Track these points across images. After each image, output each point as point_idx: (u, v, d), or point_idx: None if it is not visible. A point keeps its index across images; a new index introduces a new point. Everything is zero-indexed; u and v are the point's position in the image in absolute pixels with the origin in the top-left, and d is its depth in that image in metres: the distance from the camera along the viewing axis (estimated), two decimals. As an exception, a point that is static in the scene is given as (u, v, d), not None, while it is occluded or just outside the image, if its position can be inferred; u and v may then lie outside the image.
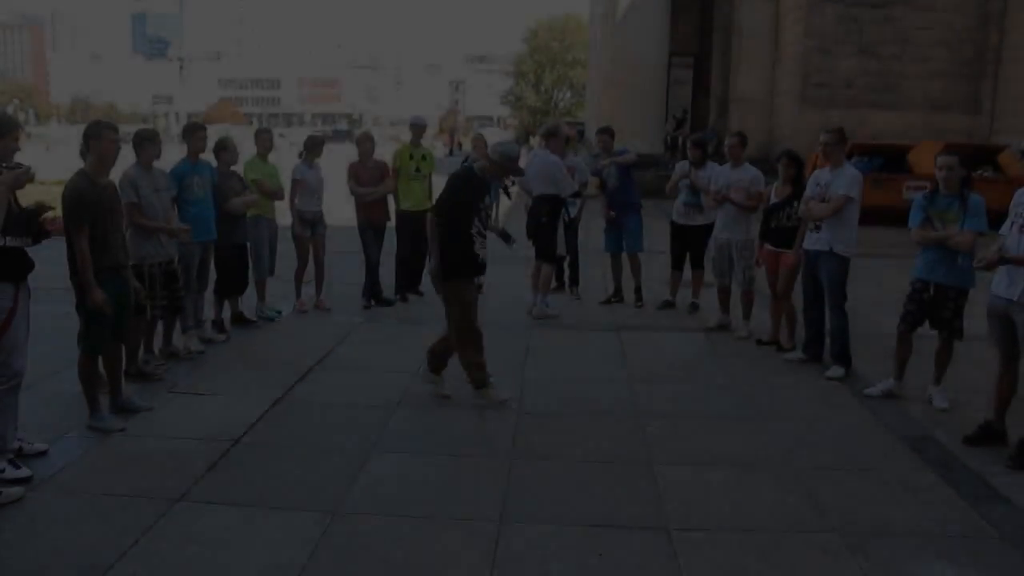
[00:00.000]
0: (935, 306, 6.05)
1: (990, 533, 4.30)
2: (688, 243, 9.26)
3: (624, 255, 9.60)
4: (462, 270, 6.01)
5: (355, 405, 6.12)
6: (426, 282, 10.12)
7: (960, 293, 5.97)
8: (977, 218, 5.79)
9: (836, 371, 6.87)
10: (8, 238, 4.49)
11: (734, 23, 25.28)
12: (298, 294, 9.10)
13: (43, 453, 5.04)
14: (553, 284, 10.12)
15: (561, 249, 9.00)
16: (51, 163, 15.94)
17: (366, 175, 9.20)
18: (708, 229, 9.09)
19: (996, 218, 5.42)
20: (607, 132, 9.95)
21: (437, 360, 6.32)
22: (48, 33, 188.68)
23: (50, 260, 5.48)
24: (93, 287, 5.28)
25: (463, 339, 6.08)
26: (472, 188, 6.02)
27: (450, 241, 5.94)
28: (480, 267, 6.10)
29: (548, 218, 8.86)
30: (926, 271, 6.09)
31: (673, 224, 9.33)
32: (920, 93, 21.39)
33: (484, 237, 6.05)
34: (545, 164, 8.85)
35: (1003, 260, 5.06)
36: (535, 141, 34.10)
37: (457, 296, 6.02)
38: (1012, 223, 5.16)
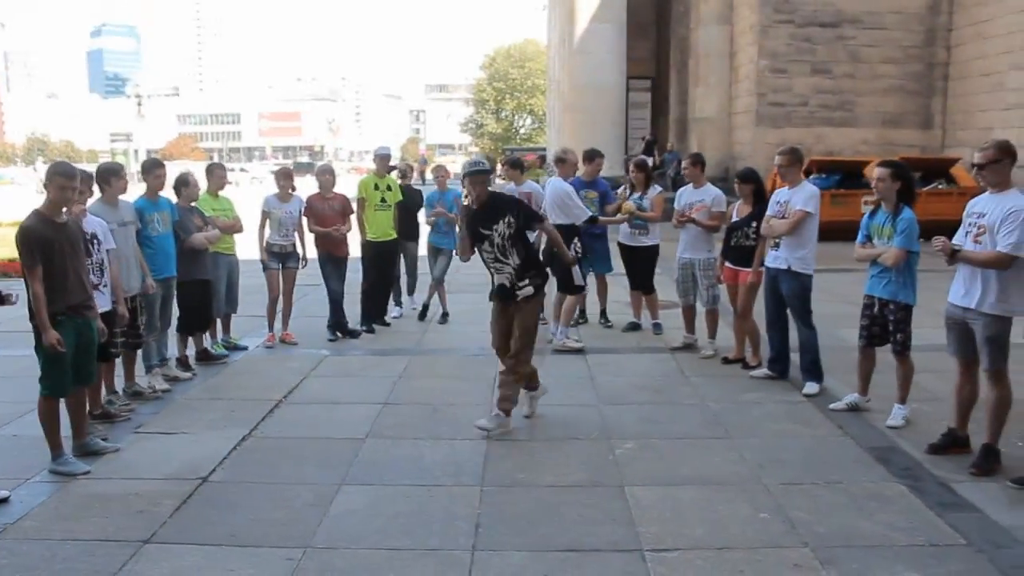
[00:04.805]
0: (881, 321, 6.15)
1: (957, 540, 4.36)
2: (636, 265, 9.30)
3: (592, 277, 9.61)
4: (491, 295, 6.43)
5: (324, 439, 6.08)
6: (392, 312, 10.19)
7: (900, 308, 6.04)
8: (903, 235, 5.89)
9: (811, 387, 6.92)
10: None
11: (690, 45, 25.65)
12: (270, 328, 9.05)
13: (5, 500, 4.94)
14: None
15: (578, 279, 8.17)
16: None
17: (325, 207, 9.19)
18: (651, 250, 9.14)
19: (953, 229, 5.51)
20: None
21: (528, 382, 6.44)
22: (2, 73, 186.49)
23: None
24: (47, 327, 5.21)
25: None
26: (467, 221, 6.32)
27: None
28: (500, 292, 6.26)
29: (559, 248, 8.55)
30: (870, 286, 6.21)
31: (620, 245, 9.38)
32: (873, 109, 21.80)
33: (502, 262, 6.16)
34: (555, 192, 8.49)
35: (954, 255, 5.19)
36: (499, 170, 34.20)
37: None
38: (966, 232, 5.28)
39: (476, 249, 6.32)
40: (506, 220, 6.09)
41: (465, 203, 6.62)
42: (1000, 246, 5.02)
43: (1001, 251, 5.01)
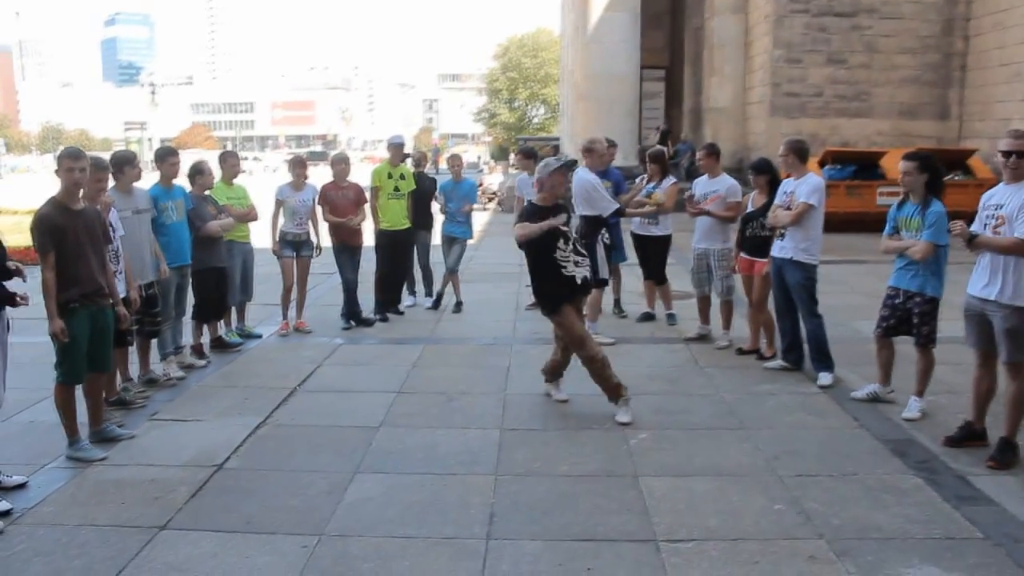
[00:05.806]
0: (905, 313, 6.11)
1: (974, 533, 4.34)
2: (648, 254, 9.27)
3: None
4: (558, 297, 6.26)
5: (338, 426, 6.09)
6: (406, 301, 10.22)
7: (926, 300, 5.99)
8: (933, 228, 5.81)
9: (825, 378, 6.90)
10: None
11: (704, 35, 25.52)
12: (284, 316, 9.07)
13: (22, 486, 4.97)
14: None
15: (603, 272, 8.12)
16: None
17: (340, 196, 9.20)
18: (664, 240, 9.09)
19: (970, 220, 5.46)
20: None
21: (550, 374, 6.69)
22: (16, 62, 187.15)
23: (28, 289, 5.43)
24: (53, 316, 5.23)
25: (582, 358, 6.28)
26: (533, 218, 6.25)
27: (539, 272, 6.32)
28: (579, 287, 6.27)
29: (586, 240, 7.93)
30: (897, 278, 6.16)
31: (633, 235, 9.36)
32: (889, 100, 21.64)
33: (584, 255, 6.33)
34: (580, 183, 8.12)
35: (972, 241, 5.16)
36: (512, 159, 34.12)
37: (561, 323, 6.30)
38: (984, 224, 5.24)
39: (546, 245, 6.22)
40: (567, 216, 6.27)
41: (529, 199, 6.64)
42: (1018, 232, 4.98)
43: (1020, 237, 4.97)
